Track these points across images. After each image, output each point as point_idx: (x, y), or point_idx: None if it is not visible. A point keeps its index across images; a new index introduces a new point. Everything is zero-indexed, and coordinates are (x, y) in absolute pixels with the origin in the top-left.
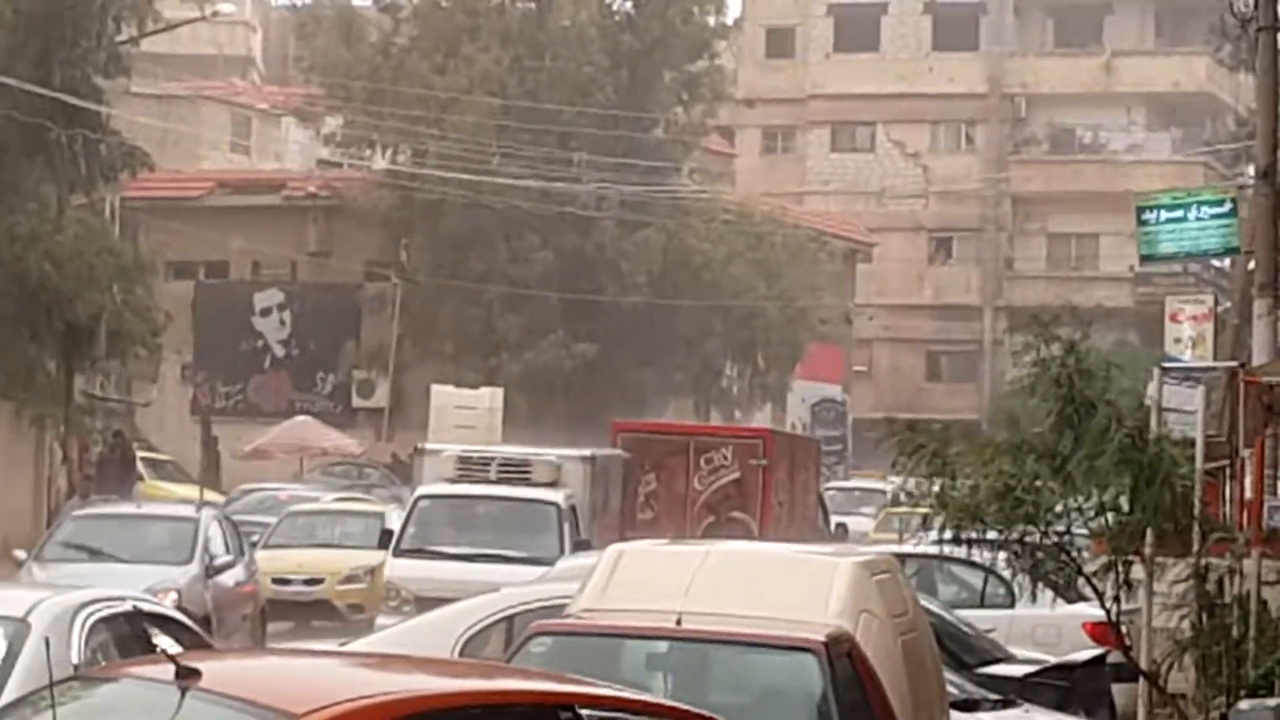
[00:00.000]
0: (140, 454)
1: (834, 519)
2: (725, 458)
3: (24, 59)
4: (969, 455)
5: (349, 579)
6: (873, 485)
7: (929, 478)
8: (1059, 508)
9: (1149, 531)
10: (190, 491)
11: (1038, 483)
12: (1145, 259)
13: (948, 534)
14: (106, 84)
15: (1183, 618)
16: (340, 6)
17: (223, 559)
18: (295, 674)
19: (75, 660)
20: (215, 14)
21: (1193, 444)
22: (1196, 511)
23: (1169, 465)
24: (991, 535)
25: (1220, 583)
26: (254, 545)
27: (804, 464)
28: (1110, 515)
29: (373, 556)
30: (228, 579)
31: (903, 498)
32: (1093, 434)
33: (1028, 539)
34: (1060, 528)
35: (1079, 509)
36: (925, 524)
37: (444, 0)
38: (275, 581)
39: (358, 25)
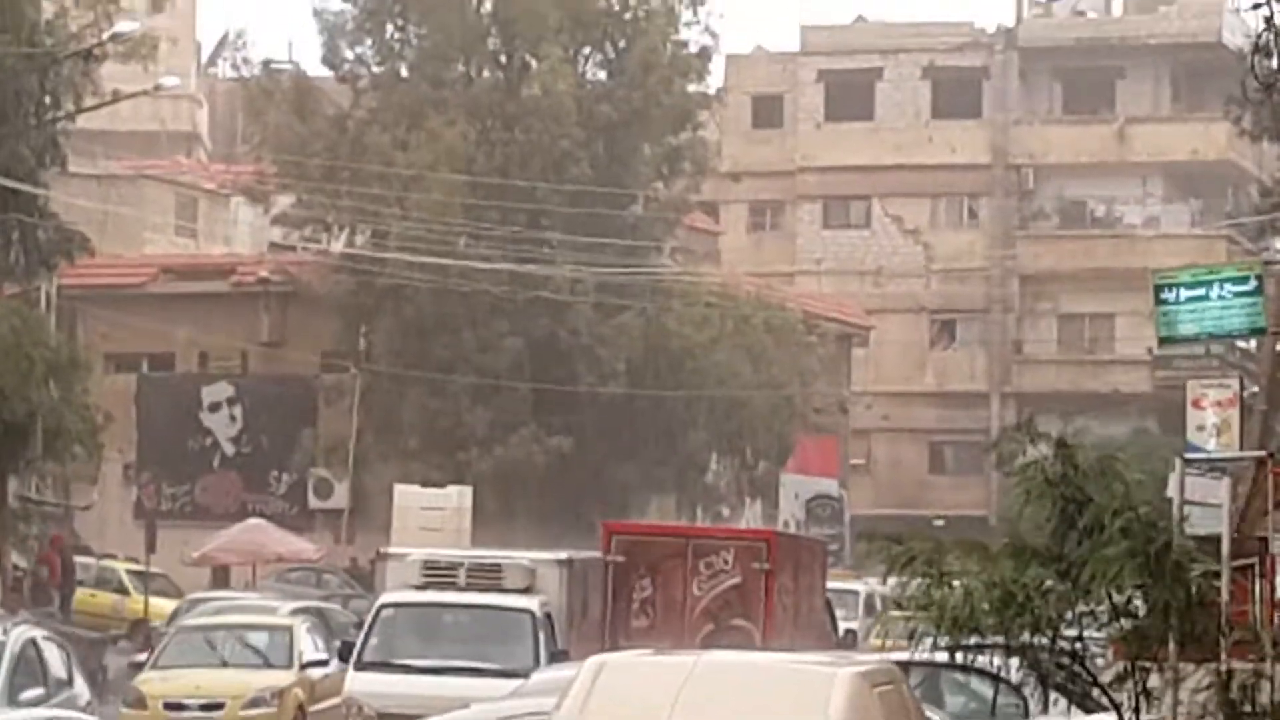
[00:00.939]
0: (128, 565)
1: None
2: (726, 561)
3: None
4: (967, 562)
5: (253, 703)
6: (845, 586)
7: (925, 589)
8: (1070, 614)
9: (1170, 638)
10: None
11: (1045, 586)
12: (1164, 341)
13: (943, 643)
14: (42, 164)
15: None
16: (293, 76)
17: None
18: None
19: None
20: (158, 88)
21: (1218, 540)
22: (1221, 613)
23: (1180, 559)
24: (995, 641)
25: (1246, 690)
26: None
27: (809, 567)
28: (1125, 620)
29: (279, 677)
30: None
31: (878, 603)
32: (1090, 523)
33: (1036, 646)
34: (1072, 633)
35: (1091, 613)
36: (913, 636)
37: (406, 70)
38: (168, 707)
39: (312, 98)
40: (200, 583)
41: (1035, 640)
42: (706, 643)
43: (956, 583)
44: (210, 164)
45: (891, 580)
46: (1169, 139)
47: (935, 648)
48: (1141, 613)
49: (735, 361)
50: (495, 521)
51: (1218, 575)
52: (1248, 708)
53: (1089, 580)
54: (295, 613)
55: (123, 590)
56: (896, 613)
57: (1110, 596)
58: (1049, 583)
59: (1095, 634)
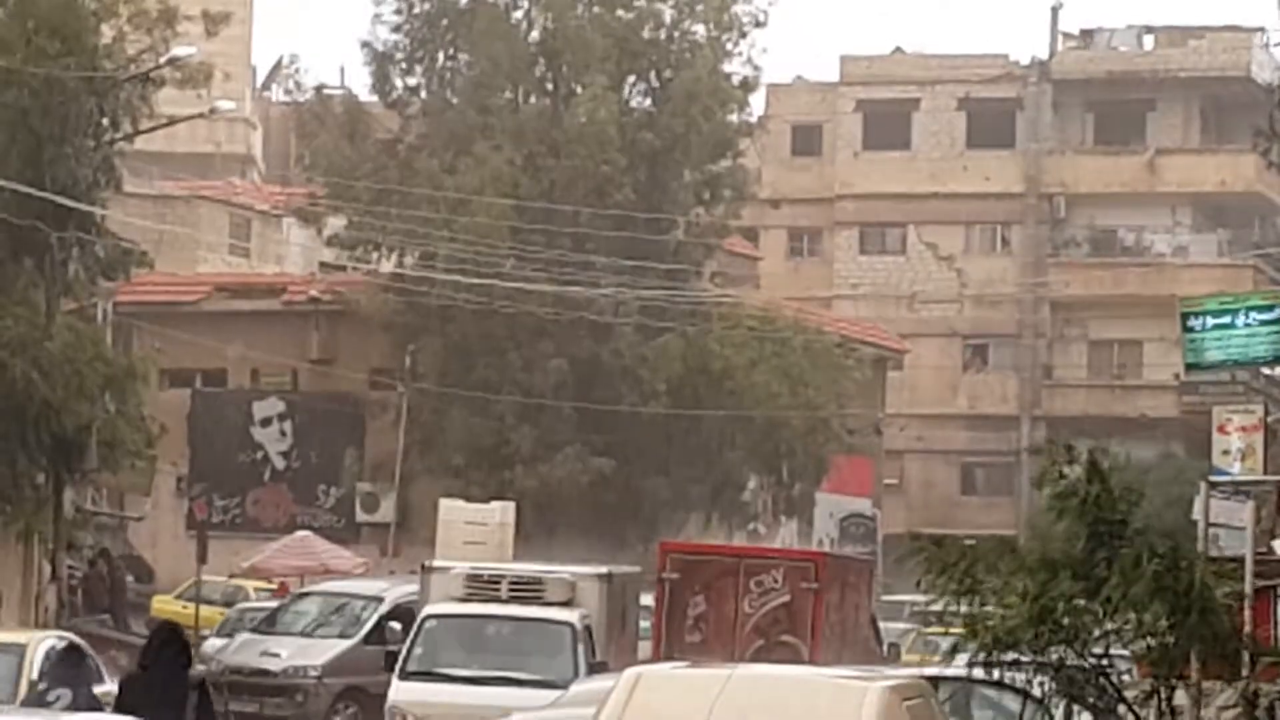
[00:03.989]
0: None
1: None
2: (776, 580)
3: (14, 157)
4: (1002, 570)
5: None
6: (889, 598)
7: (957, 597)
8: (1098, 630)
9: (1194, 656)
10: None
11: (1076, 603)
12: (1191, 367)
13: (980, 658)
14: (100, 184)
15: None
16: (345, 103)
17: None
18: None
19: None
20: (214, 111)
21: (1242, 561)
22: (1245, 634)
23: (1207, 593)
24: (1023, 658)
25: (1271, 709)
26: None
27: (856, 586)
28: (1151, 639)
29: None
30: None
31: (906, 620)
32: (1124, 563)
33: (1066, 662)
34: (1099, 649)
35: (1117, 631)
36: (955, 651)
37: (454, 96)
38: None
39: (363, 122)
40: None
41: (1066, 655)
42: (756, 658)
43: (992, 600)
44: (263, 186)
45: (925, 593)
46: (1198, 170)
47: (972, 664)
48: (1165, 633)
49: (773, 383)
50: (537, 537)
51: (1242, 596)
52: None
53: (1118, 602)
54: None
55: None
56: (935, 628)
57: (1137, 615)
58: (1078, 600)
59: (1121, 651)
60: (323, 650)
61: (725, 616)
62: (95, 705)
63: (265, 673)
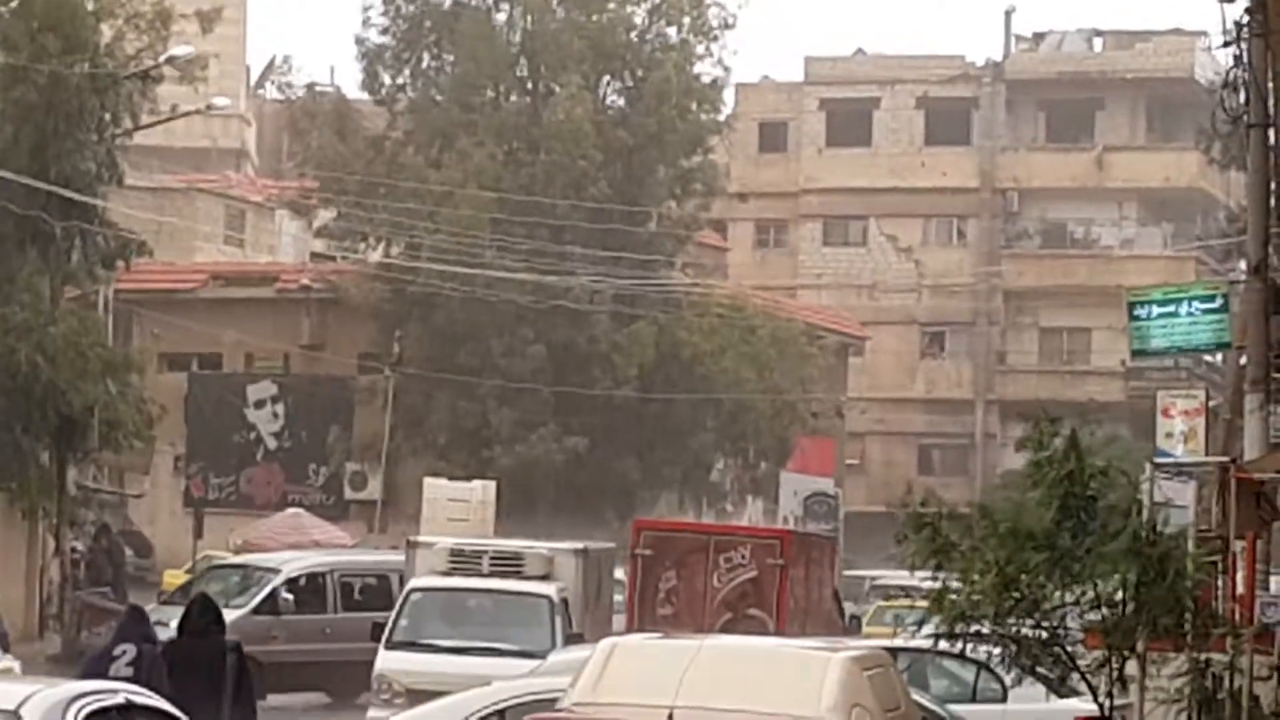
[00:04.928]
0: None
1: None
2: (744, 557)
3: (19, 150)
4: (974, 535)
5: None
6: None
7: (929, 557)
8: (1055, 601)
9: (1142, 627)
10: None
11: (1038, 574)
12: (1137, 354)
13: (943, 630)
14: (101, 177)
15: (1179, 713)
16: (335, 99)
17: None
18: None
19: None
20: (210, 107)
21: (1185, 537)
22: (1195, 606)
23: (1178, 561)
24: (983, 630)
25: (1215, 678)
26: None
27: (820, 562)
28: (1106, 610)
29: None
30: None
31: (867, 594)
32: (1103, 520)
33: (1023, 631)
34: (1054, 621)
35: (1075, 602)
36: (922, 624)
37: (439, 95)
38: None
39: (352, 119)
40: None
41: (1023, 626)
42: (724, 630)
43: (957, 571)
44: (257, 179)
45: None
46: (1144, 167)
47: (937, 636)
48: (1122, 602)
49: (741, 368)
50: (516, 514)
51: (1199, 571)
52: (1219, 695)
53: (1081, 570)
54: None
55: None
56: (902, 602)
57: (1096, 586)
58: (1040, 571)
59: (1070, 624)
60: None
61: (695, 590)
62: (156, 662)
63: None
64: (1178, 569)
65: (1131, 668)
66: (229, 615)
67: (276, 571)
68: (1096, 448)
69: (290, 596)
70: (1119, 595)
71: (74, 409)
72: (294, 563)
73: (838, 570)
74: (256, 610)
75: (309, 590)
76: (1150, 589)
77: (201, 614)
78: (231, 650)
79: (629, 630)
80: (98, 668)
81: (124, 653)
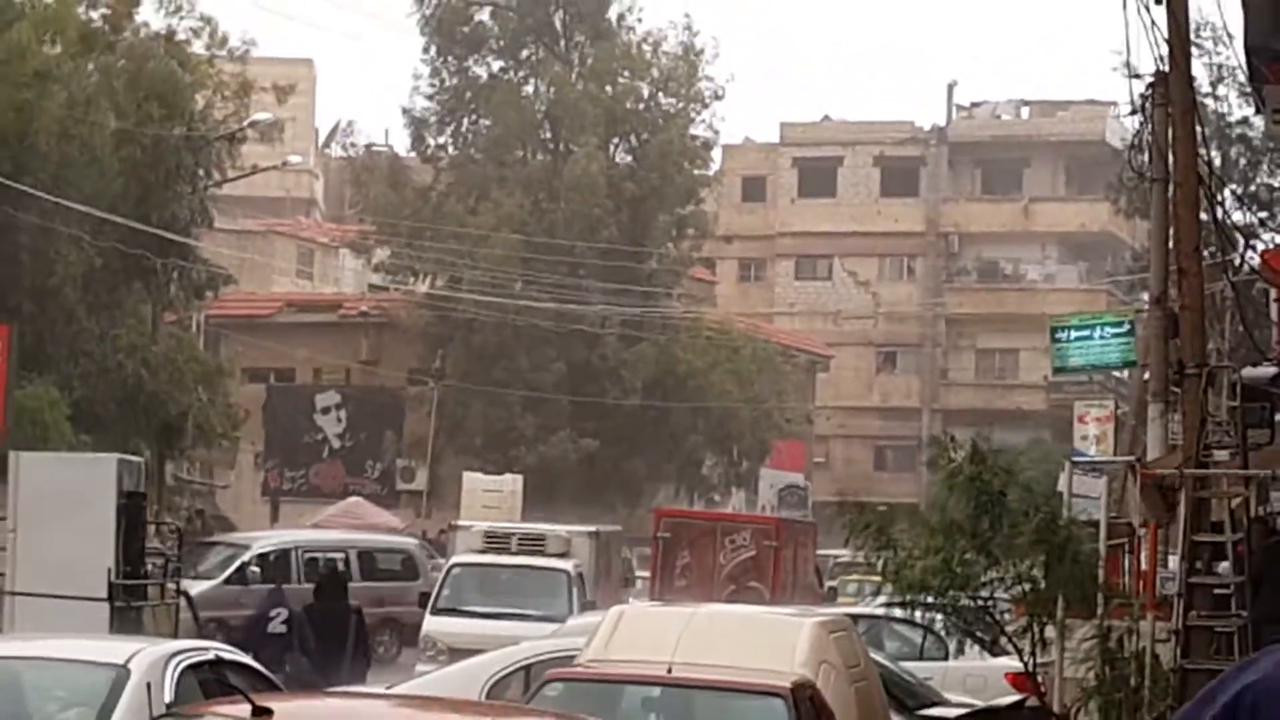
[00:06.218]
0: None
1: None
2: (745, 539)
3: (128, 199)
4: (910, 532)
5: None
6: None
7: (875, 551)
8: (984, 578)
9: (1060, 598)
10: None
11: (967, 556)
12: (1058, 371)
13: (898, 600)
14: (194, 221)
15: (1089, 670)
16: (389, 157)
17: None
18: (350, 714)
19: (168, 700)
20: (285, 163)
21: (1098, 525)
22: (1100, 581)
23: (1076, 545)
24: (929, 600)
25: (1120, 641)
26: None
27: (804, 543)
28: (1027, 585)
29: None
30: None
31: (831, 570)
32: (1012, 518)
33: (960, 603)
34: (986, 594)
35: (1001, 579)
36: (879, 593)
37: (476, 153)
38: None
39: (403, 173)
40: None
41: (959, 598)
42: (729, 599)
43: (904, 555)
44: (324, 223)
45: (849, 547)
46: (1063, 215)
47: (891, 604)
48: (1039, 580)
49: (726, 382)
50: (540, 502)
51: (1098, 552)
52: (1122, 654)
53: (999, 554)
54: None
55: None
56: (854, 576)
57: (1015, 566)
58: (969, 554)
59: (1002, 595)
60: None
61: (706, 567)
62: (302, 622)
63: None
64: (1075, 553)
65: (1050, 632)
66: (203, 586)
67: (247, 548)
68: (1021, 450)
69: (258, 569)
70: (1035, 573)
71: (172, 414)
72: (263, 540)
73: (816, 550)
74: (226, 581)
75: (276, 565)
76: (1057, 569)
77: (331, 584)
78: (354, 613)
79: (652, 598)
80: (258, 626)
81: (277, 614)
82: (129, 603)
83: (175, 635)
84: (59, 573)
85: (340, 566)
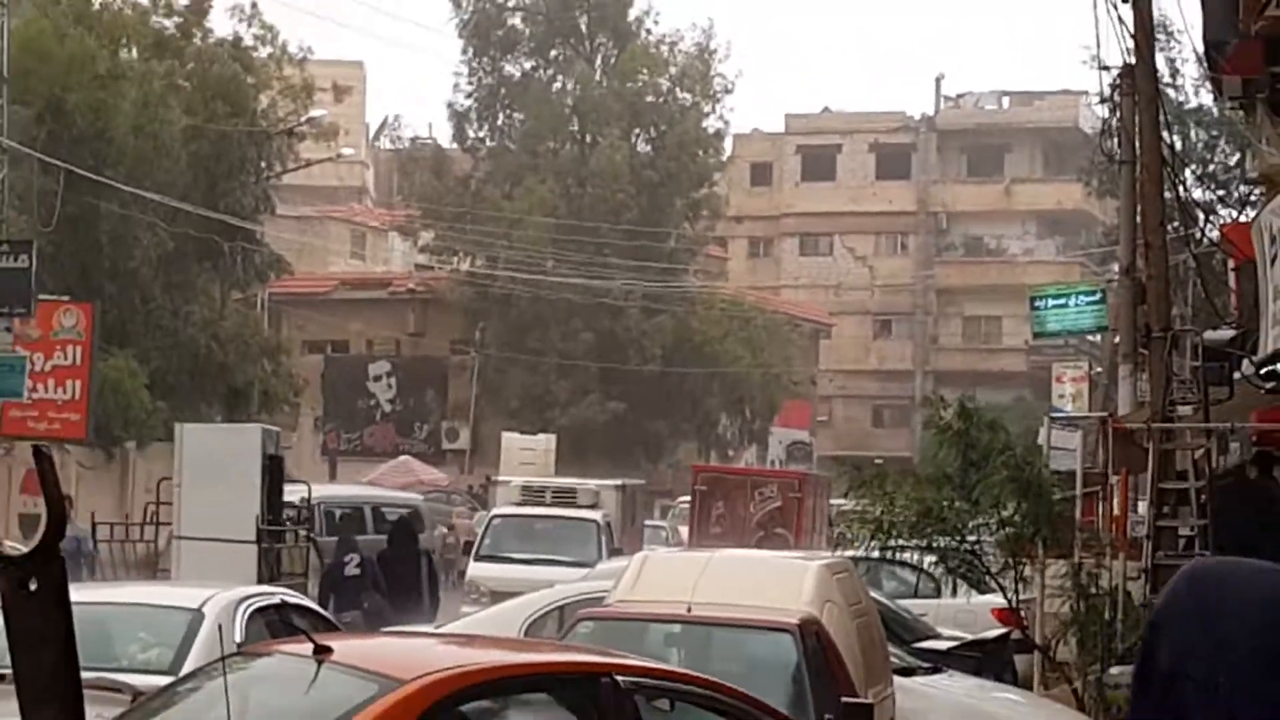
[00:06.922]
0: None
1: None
2: (772, 491)
3: (198, 189)
4: (902, 485)
5: None
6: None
7: (873, 502)
8: (970, 524)
9: (1039, 540)
10: None
11: (956, 505)
12: (1037, 335)
13: (889, 544)
14: (258, 209)
15: (1063, 603)
16: (432, 149)
17: None
18: (404, 650)
19: (238, 640)
20: (339, 155)
21: (1074, 474)
22: (1075, 524)
23: (1045, 483)
24: (922, 544)
25: (1093, 577)
26: None
27: (821, 495)
28: (1008, 530)
29: None
30: None
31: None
32: (992, 463)
33: (948, 547)
34: (973, 539)
35: (985, 525)
36: (874, 537)
37: (511, 145)
38: None
39: (445, 163)
40: None
41: (946, 542)
42: (759, 545)
43: (898, 504)
44: (374, 209)
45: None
46: (1041, 195)
47: (884, 549)
48: (1019, 525)
49: (738, 349)
50: (571, 459)
51: (1073, 499)
52: (1093, 589)
53: (981, 499)
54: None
55: None
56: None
57: (998, 511)
58: (957, 502)
59: (988, 539)
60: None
61: (737, 516)
62: (374, 566)
63: None
64: (1039, 486)
65: (1029, 571)
66: None
67: None
68: (1005, 407)
69: None
70: (1016, 518)
71: (239, 383)
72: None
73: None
74: None
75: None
76: (1032, 506)
77: (402, 532)
78: (424, 555)
79: (690, 545)
80: (335, 571)
81: (351, 559)
82: (272, 545)
83: (306, 572)
84: (216, 521)
85: (405, 516)
